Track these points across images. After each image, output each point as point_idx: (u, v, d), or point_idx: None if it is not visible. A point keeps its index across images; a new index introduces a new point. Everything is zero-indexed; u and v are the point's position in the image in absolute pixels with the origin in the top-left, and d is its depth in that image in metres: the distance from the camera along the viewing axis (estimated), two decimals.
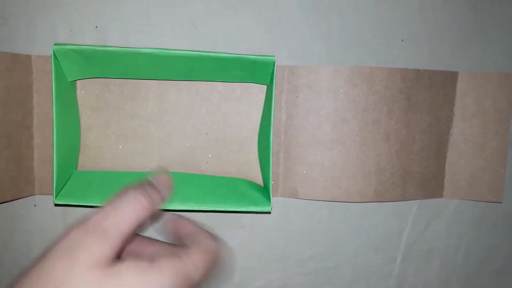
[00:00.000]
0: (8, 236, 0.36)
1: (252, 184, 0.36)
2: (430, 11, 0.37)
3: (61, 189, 0.33)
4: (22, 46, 0.34)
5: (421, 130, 0.38)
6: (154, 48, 0.30)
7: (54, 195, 0.32)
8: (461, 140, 0.39)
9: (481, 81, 0.38)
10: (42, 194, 0.35)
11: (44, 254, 0.23)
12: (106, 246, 0.24)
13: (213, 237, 0.29)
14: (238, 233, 0.38)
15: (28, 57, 0.34)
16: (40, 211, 0.36)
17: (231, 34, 0.36)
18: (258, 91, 0.36)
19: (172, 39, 0.35)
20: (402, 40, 0.37)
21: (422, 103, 0.37)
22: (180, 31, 0.35)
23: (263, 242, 0.38)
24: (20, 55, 0.33)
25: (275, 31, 0.36)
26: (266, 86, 0.35)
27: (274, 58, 0.31)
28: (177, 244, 0.29)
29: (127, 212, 0.25)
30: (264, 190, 0.35)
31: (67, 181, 0.34)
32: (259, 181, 0.36)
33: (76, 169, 0.35)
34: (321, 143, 0.37)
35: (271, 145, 0.32)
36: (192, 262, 0.26)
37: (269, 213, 0.35)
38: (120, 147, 0.36)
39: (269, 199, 0.33)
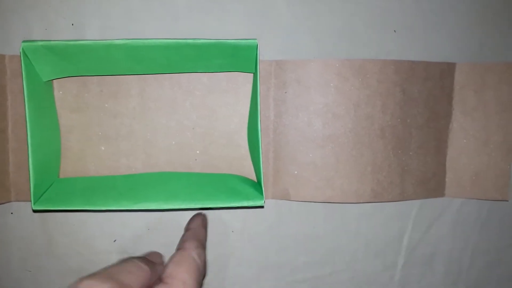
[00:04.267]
0: None
1: (244, 180, 0.34)
2: None
3: (41, 196, 0.30)
4: None
5: (418, 125, 0.36)
6: (128, 39, 0.29)
7: (32, 201, 0.29)
8: (462, 135, 0.37)
9: (480, 72, 0.36)
10: (19, 201, 0.34)
11: None
12: None
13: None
14: (228, 239, 0.36)
15: (2, 56, 0.32)
16: (17, 219, 0.34)
17: (215, 28, 0.34)
18: (245, 80, 0.34)
19: (154, 35, 0.33)
20: (394, 31, 0.35)
21: (418, 96, 0.35)
22: (162, 27, 0.34)
23: (255, 248, 0.36)
24: None
25: (261, 24, 0.34)
26: (252, 74, 0.34)
27: (256, 41, 0.29)
28: None
29: (137, 274, 0.25)
30: (257, 185, 0.33)
31: (47, 188, 0.32)
32: (252, 176, 0.34)
33: (58, 173, 0.34)
34: (313, 141, 0.35)
35: (259, 135, 0.30)
36: None
37: (262, 207, 0.33)
38: (103, 148, 0.34)
39: (261, 193, 0.31)
